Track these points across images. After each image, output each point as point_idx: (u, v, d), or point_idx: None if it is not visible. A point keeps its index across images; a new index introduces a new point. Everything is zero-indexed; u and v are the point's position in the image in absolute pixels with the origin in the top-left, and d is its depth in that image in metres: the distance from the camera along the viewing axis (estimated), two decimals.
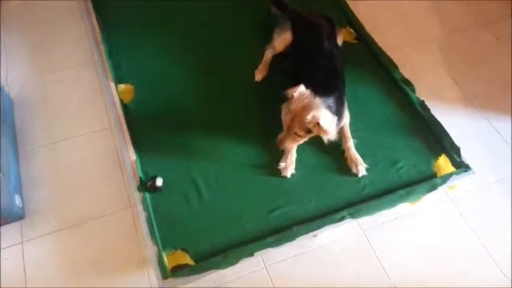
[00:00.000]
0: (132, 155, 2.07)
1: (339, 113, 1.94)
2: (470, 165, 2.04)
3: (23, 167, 2.15)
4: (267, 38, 2.40)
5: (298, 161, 2.05)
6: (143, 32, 2.58)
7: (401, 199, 1.94)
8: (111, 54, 2.44)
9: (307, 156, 2.09)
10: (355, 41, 2.53)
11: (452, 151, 2.09)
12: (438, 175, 2.03)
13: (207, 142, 2.14)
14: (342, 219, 1.88)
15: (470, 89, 2.47)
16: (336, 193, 1.98)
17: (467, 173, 2.02)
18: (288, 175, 2.01)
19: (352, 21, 2.60)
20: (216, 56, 2.48)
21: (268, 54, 2.37)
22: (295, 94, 1.85)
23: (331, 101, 1.91)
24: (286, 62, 2.28)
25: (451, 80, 2.51)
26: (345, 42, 2.45)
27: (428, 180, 2.01)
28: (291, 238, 1.82)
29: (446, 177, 2.00)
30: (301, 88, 1.86)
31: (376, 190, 1.99)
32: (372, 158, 2.08)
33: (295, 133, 1.89)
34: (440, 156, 2.09)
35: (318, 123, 1.81)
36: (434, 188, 1.97)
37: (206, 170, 2.05)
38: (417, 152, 2.11)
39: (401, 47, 2.62)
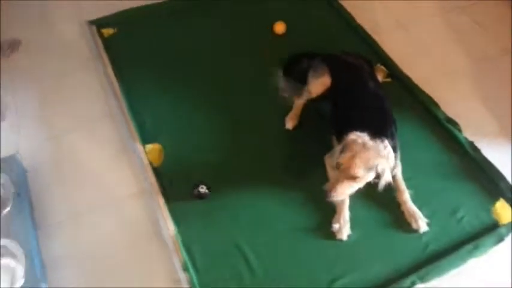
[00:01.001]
0: (171, 226, 1.88)
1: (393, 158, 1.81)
2: None
3: (44, 246, 1.92)
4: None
5: (352, 219, 1.89)
6: (163, 84, 2.43)
7: (471, 255, 1.80)
8: (133, 109, 2.27)
9: (361, 212, 1.93)
10: (388, 79, 2.40)
11: (510, 194, 1.97)
12: (500, 223, 1.90)
13: (250, 204, 1.96)
14: (412, 284, 1.72)
15: (510, 120, 2.36)
16: (399, 254, 1.83)
17: None
18: (344, 237, 1.85)
19: (382, 57, 2.48)
20: (240, 106, 2.33)
21: (301, 100, 2.21)
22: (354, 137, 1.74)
23: (386, 144, 1.78)
24: (323, 107, 2.15)
25: (487, 112, 2.40)
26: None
27: (493, 230, 1.87)
28: None
29: (510, 226, 1.88)
30: (357, 134, 1.75)
31: (440, 246, 1.84)
32: (428, 208, 1.93)
33: (352, 176, 1.71)
34: (497, 200, 1.97)
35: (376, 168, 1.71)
36: (501, 239, 1.84)
37: (254, 238, 1.87)
38: (474, 198, 1.98)
39: (429, 80, 2.48)
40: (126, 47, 2.57)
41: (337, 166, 1.75)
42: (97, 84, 2.46)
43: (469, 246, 1.82)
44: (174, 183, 2.02)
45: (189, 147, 2.15)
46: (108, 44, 2.56)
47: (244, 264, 1.80)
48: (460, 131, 2.16)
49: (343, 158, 1.72)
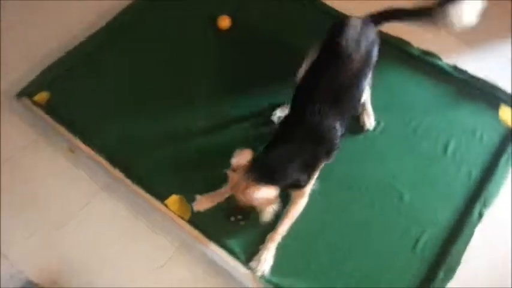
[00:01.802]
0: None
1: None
2: None
3: None
4: None
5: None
6: (136, 119, 2.17)
7: (508, 165, 1.94)
8: (123, 167, 2.00)
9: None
10: None
11: (508, 99, 2.12)
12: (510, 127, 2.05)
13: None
14: (480, 215, 1.83)
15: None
16: (452, 192, 1.91)
17: None
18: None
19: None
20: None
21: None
22: (233, 161, 1.63)
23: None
24: None
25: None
26: None
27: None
28: None
29: None
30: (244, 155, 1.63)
31: (481, 170, 1.95)
32: (449, 141, 2.02)
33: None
34: (499, 108, 2.11)
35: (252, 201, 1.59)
36: None
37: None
38: (481, 115, 2.10)
39: None
40: (71, 103, 2.21)
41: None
42: (62, 160, 2.12)
43: (503, 159, 1.94)
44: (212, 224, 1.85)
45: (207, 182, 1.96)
46: (50, 109, 2.18)
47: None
48: (440, 59, 2.24)
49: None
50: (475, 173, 1.94)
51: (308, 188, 1.78)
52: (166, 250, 1.87)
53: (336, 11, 2.42)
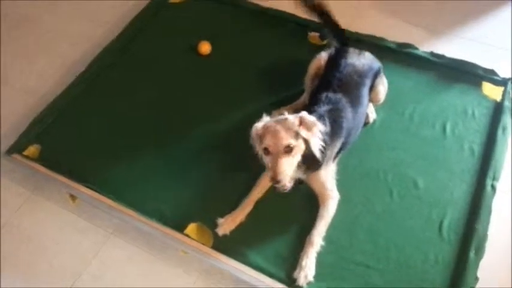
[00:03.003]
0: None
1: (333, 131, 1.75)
2: None
3: None
4: None
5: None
6: (137, 156, 2.12)
7: (505, 136, 2.03)
8: (137, 206, 1.92)
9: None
10: (324, 41, 2.45)
11: (489, 74, 2.23)
12: (497, 101, 2.15)
13: None
14: (493, 188, 1.89)
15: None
16: (453, 169, 1.97)
17: None
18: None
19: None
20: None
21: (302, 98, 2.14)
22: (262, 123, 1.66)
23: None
24: None
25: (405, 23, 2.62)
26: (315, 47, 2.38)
27: (499, 108, 2.12)
28: None
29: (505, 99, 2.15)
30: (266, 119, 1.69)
31: (481, 145, 2.03)
32: (444, 123, 2.09)
33: (285, 150, 1.59)
34: (482, 85, 2.21)
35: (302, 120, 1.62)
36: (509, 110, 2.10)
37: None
38: (468, 94, 2.19)
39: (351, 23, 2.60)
40: (64, 150, 2.13)
41: (266, 153, 1.62)
42: (63, 212, 2.01)
43: (499, 131, 2.03)
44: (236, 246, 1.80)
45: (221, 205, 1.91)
46: (45, 161, 2.08)
47: None
48: (416, 48, 2.34)
49: (267, 140, 1.60)
50: (477, 148, 2.01)
51: (331, 182, 1.84)
52: (190, 278, 1.79)
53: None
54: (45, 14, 2.90)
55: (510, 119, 2.07)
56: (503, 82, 2.20)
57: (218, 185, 1.97)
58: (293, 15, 2.53)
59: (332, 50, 2.02)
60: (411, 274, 1.72)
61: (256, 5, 2.64)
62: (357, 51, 1.99)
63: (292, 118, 1.62)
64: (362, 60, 1.95)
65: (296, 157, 1.63)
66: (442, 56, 2.31)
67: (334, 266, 1.74)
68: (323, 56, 2.01)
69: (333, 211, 1.81)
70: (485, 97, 2.17)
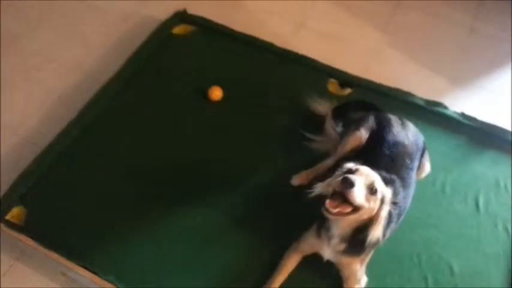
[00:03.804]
0: None
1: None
2: None
3: None
4: None
5: None
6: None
7: None
8: None
9: None
10: (347, 91, 2.26)
11: None
12: None
13: None
14: None
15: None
16: None
17: None
18: None
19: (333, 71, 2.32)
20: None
21: (329, 161, 1.91)
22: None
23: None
24: None
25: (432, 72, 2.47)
26: (336, 96, 2.20)
27: None
28: None
29: None
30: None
31: None
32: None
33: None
34: None
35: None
36: None
37: None
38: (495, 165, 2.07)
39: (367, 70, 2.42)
40: (53, 216, 1.85)
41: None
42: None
43: None
44: None
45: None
46: (30, 229, 1.79)
47: None
48: (446, 107, 2.19)
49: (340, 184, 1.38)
50: (509, 226, 1.89)
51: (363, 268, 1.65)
52: None
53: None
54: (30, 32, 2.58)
55: None
56: None
57: (238, 267, 1.76)
58: (313, 60, 2.34)
59: (372, 122, 1.82)
60: None
61: (272, 44, 2.41)
62: (399, 121, 1.81)
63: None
64: (410, 137, 1.77)
65: (357, 216, 1.42)
66: (473, 119, 2.16)
67: None
68: (363, 134, 1.79)
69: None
70: None
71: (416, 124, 1.99)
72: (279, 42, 2.43)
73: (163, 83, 2.29)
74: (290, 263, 1.71)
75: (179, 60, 2.36)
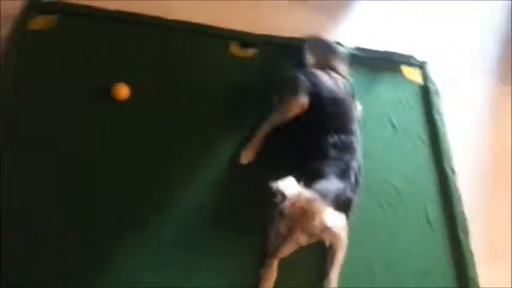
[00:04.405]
0: None
1: (346, 209, 1.64)
2: None
3: None
4: None
5: None
6: None
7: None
8: None
9: None
10: (251, 51, 2.21)
11: (407, 59, 2.40)
12: None
13: None
14: None
15: None
16: None
17: None
18: None
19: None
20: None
21: (266, 127, 1.90)
22: (287, 192, 1.52)
23: (338, 193, 1.60)
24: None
25: None
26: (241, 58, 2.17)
27: None
28: None
29: None
30: (290, 183, 1.55)
31: None
32: None
33: (297, 242, 1.55)
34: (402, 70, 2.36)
35: (326, 228, 1.50)
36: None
37: None
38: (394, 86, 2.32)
39: None
40: None
41: (285, 230, 1.51)
42: None
43: (436, 116, 2.22)
44: None
45: None
46: None
47: None
48: (342, 45, 2.29)
49: (283, 227, 1.50)
50: (425, 137, 2.17)
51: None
52: None
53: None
54: None
55: (439, 100, 2.28)
56: (420, 64, 2.39)
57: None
58: (208, 27, 2.21)
59: (306, 83, 1.83)
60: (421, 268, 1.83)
61: (160, 18, 2.18)
62: (325, 74, 1.87)
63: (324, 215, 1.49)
64: (341, 86, 1.87)
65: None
66: (367, 50, 2.35)
67: None
68: (304, 100, 1.81)
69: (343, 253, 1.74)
70: (409, 81, 2.33)
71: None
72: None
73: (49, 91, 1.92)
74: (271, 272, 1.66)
75: (42, 56, 1.99)
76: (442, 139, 2.16)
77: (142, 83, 1.98)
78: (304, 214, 1.48)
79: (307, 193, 1.51)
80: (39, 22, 2.05)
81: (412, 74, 2.36)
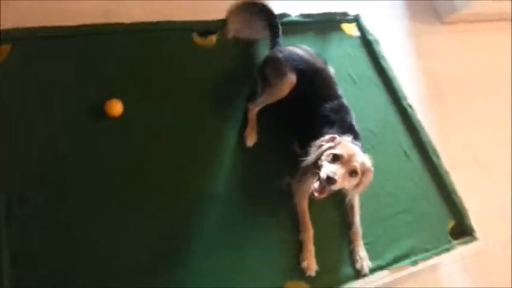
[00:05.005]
0: None
1: None
2: None
3: None
4: None
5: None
6: None
7: None
8: None
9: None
10: (213, 37, 2.27)
11: (344, 16, 2.65)
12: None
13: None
14: None
15: None
16: None
17: None
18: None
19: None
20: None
21: (256, 108, 2.04)
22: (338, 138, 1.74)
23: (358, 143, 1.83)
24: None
25: None
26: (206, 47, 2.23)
27: None
28: None
29: None
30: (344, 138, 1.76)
31: None
32: None
33: (351, 170, 1.69)
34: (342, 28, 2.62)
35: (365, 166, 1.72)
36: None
37: None
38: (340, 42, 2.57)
39: None
40: None
41: (333, 159, 1.69)
42: None
43: (382, 62, 2.53)
44: None
45: None
46: None
47: None
48: (289, 15, 2.46)
49: (342, 149, 1.69)
50: (377, 81, 2.48)
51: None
52: None
53: None
54: None
55: (379, 47, 2.58)
56: (355, 18, 2.66)
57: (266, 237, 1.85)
58: (170, 22, 2.22)
59: (289, 60, 2.00)
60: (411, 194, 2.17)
61: (125, 24, 2.13)
62: (298, 48, 2.07)
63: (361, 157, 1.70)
64: (314, 55, 2.07)
65: (351, 183, 1.72)
66: (310, 15, 2.54)
67: (372, 243, 1.97)
68: (293, 77, 1.96)
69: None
70: (351, 37, 2.60)
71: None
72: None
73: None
74: (306, 206, 1.90)
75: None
76: (392, 80, 2.49)
77: (126, 94, 1.95)
78: (350, 156, 1.67)
79: (346, 139, 1.74)
80: None
81: (350, 29, 2.63)
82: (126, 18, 2.16)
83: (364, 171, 1.72)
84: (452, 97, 2.73)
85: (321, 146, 1.74)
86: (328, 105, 1.92)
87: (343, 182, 1.67)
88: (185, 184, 1.86)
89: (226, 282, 1.70)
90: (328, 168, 1.65)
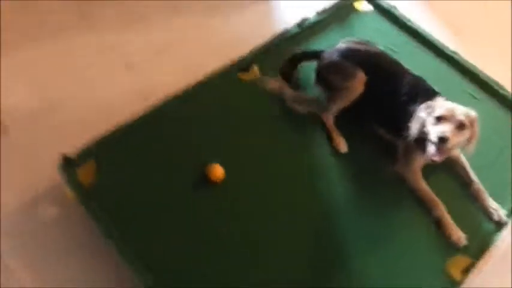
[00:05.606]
0: None
1: None
2: None
3: None
4: None
5: None
6: None
7: None
8: None
9: None
10: (254, 68, 2.28)
11: None
12: None
13: None
14: None
15: None
16: None
17: None
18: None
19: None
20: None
21: (331, 115, 2.08)
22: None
23: None
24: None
25: None
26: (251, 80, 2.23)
27: None
28: None
29: None
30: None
31: None
32: None
33: (459, 125, 1.74)
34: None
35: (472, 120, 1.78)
36: None
37: None
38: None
39: None
40: None
41: (437, 121, 1.74)
42: None
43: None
44: None
45: None
46: None
47: None
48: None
49: (443, 111, 1.74)
50: (412, 43, 2.54)
51: None
52: None
53: None
54: None
55: (398, 11, 2.62)
56: None
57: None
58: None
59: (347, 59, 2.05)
60: None
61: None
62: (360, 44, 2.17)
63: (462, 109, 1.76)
64: (365, 44, 2.17)
65: (463, 137, 1.76)
66: (325, 10, 2.58)
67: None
68: (362, 73, 2.00)
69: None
70: (367, 13, 2.64)
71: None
72: None
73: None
74: (424, 184, 1.94)
75: None
76: (426, 36, 2.53)
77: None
78: (451, 112, 1.74)
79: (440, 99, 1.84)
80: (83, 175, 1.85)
81: (362, 5, 2.66)
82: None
83: (471, 122, 1.76)
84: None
85: (419, 117, 1.79)
86: (405, 81, 1.96)
87: (454, 139, 1.71)
88: (312, 213, 1.89)
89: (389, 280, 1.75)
90: (436, 129, 1.70)
